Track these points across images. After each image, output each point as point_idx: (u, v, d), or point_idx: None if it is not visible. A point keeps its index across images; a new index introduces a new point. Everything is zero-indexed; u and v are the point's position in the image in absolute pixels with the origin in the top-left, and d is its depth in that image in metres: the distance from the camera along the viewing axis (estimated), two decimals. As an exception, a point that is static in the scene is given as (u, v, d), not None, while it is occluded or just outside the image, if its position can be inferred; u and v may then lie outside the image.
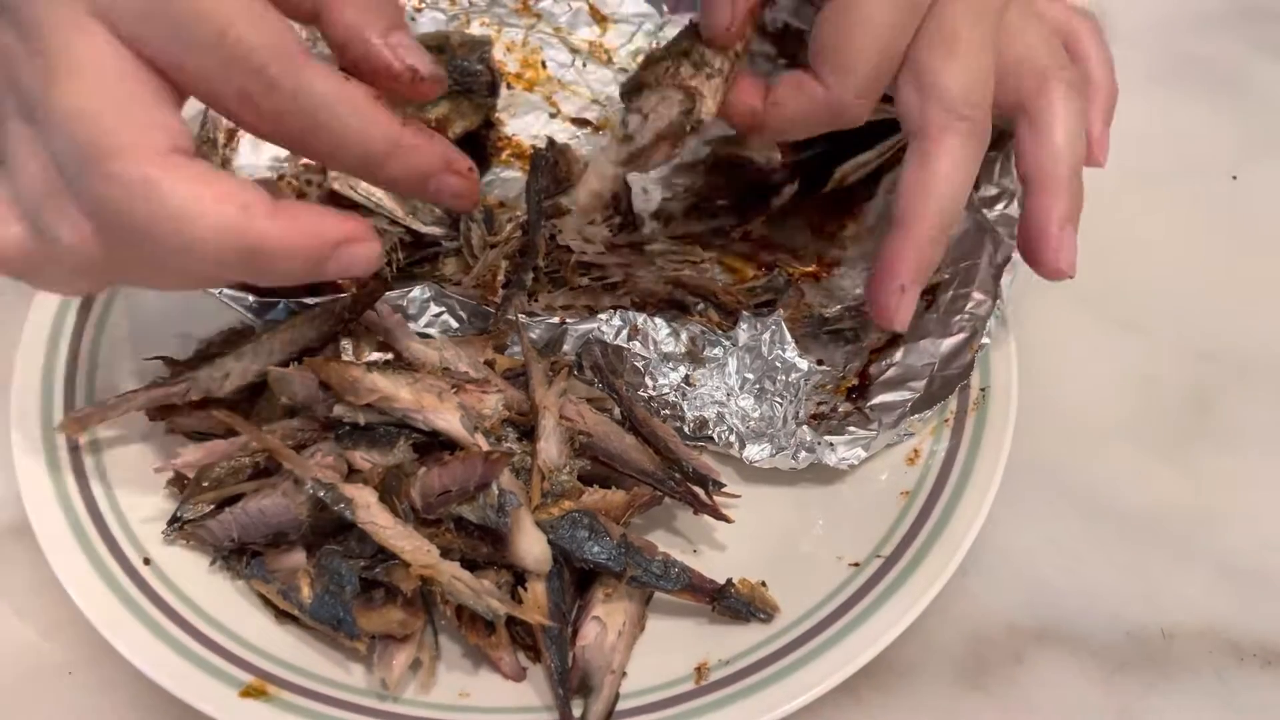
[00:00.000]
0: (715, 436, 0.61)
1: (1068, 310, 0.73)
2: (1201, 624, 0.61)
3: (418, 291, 0.62)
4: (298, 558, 0.54)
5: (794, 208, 0.70)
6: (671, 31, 0.78)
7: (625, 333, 0.61)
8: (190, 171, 0.42)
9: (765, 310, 0.64)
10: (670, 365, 0.61)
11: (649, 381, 0.61)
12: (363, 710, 0.52)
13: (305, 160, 0.69)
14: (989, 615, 0.61)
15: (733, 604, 0.55)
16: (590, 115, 0.77)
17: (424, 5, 0.79)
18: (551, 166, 0.71)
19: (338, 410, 0.56)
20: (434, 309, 0.62)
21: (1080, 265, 0.75)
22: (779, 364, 0.61)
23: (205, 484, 0.56)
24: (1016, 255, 0.63)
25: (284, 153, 0.69)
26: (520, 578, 0.54)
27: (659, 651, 0.55)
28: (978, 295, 0.63)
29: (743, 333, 0.61)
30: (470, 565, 0.53)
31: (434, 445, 0.56)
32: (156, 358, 0.62)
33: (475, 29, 0.79)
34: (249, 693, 0.51)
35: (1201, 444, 0.68)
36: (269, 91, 0.42)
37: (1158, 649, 0.60)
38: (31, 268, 0.46)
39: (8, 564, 0.59)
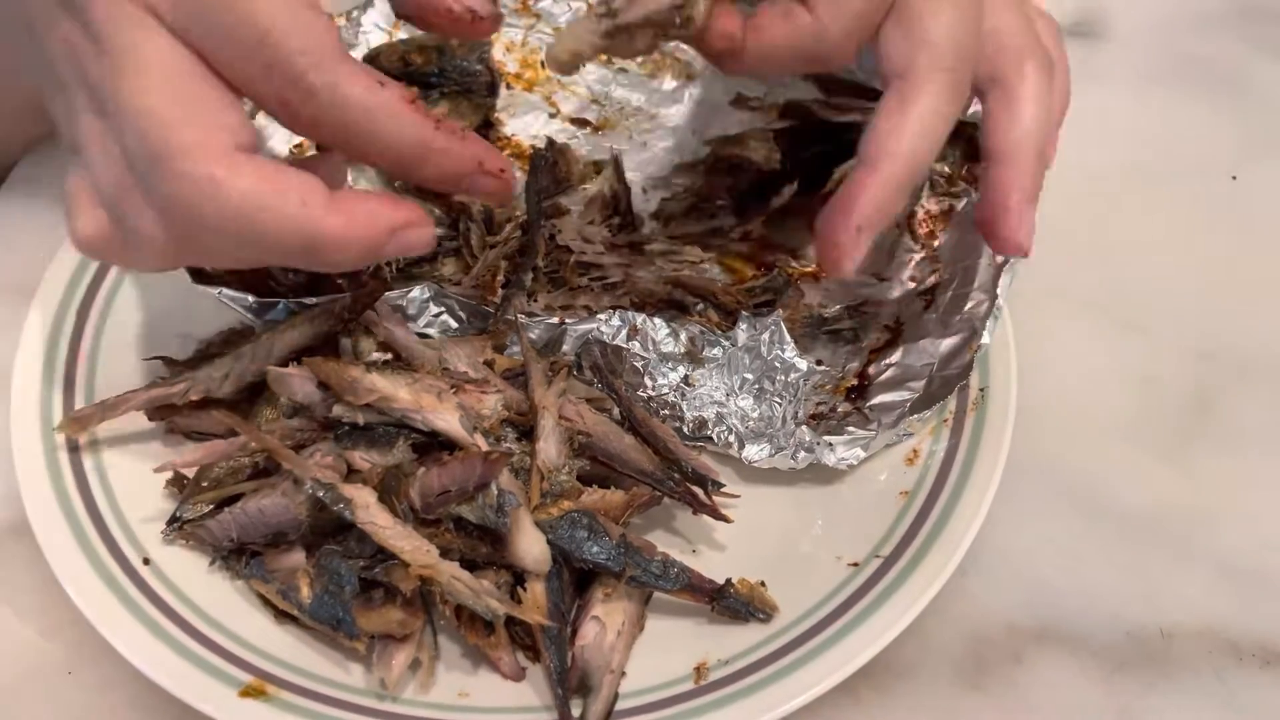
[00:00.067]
0: (714, 436, 0.61)
1: (1067, 310, 0.73)
2: (1201, 624, 0.61)
3: (417, 291, 0.62)
4: (297, 558, 0.54)
5: (794, 208, 0.70)
6: (671, 31, 0.78)
7: (624, 333, 0.61)
8: (252, 170, 0.44)
9: (764, 310, 0.64)
10: (669, 365, 0.61)
11: (648, 381, 0.61)
12: (362, 710, 0.52)
13: None
14: (988, 615, 0.60)
15: (732, 604, 0.55)
16: (590, 115, 0.77)
17: (424, 5, 0.79)
18: (551, 166, 0.71)
19: (337, 410, 0.56)
20: (433, 309, 0.62)
21: (1080, 265, 0.75)
22: (778, 364, 0.61)
23: (205, 484, 0.57)
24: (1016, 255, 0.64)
25: None
26: (519, 578, 0.54)
27: (658, 651, 0.55)
28: (977, 295, 0.63)
29: (742, 333, 0.61)
30: (469, 565, 0.53)
31: (433, 445, 0.56)
32: (156, 358, 0.62)
33: (475, 29, 0.79)
34: (248, 692, 0.51)
35: (1201, 444, 0.68)
36: (306, 100, 0.44)
37: (1157, 649, 0.60)
38: (112, 253, 0.49)
39: (8, 564, 0.59)
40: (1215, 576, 0.63)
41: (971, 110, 0.58)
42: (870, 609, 0.55)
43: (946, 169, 0.68)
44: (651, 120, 0.77)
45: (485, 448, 0.54)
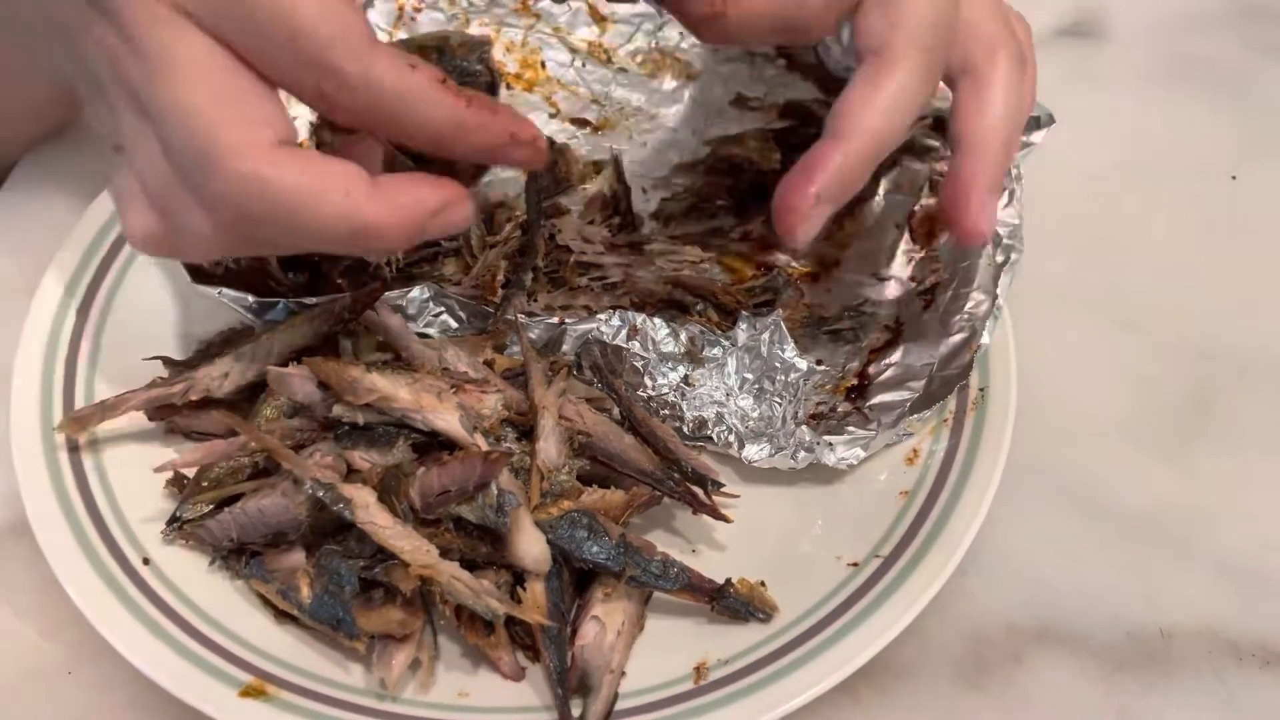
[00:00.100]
0: (714, 436, 0.61)
1: (1067, 310, 0.73)
2: (1201, 624, 0.61)
3: (417, 291, 0.62)
4: (297, 558, 0.54)
5: (794, 208, 0.70)
6: (671, 31, 0.78)
7: (624, 333, 0.61)
8: (296, 163, 0.45)
9: (764, 310, 0.64)
10: (669, 365, 0.61)
11: (648, 381, 0.61)
12: (362, 710, 0.52)
13: None
14: (988, 615, 0.60)
15: (732, 604, 0.55)
16: (590, 115, 0.77)
17: (423, 5, 0.79)
18: (551, 166, 0.71)
19: (337, 410, 0.56)
20: (433, 309, 0.62)
21: (1080, 265, 0.75)
22: (778, 364, 0.61)
23: (204, 484, 0.57)
24: (1016, 255, 0.64)
25: None
26: (519, 577, 0.54)
27: (658, 651, 0.55)
28: (977, 295, 0.63)
29: (742, 333, 0.61)
30: (469, 565, 0.53)
31: (433, 445, 0.56)
32: (156, 358, 0.62)
33: (474, 29, 0.79)
34: (248, 692, 0.51)
35: (1201, 444, 0.68)
36: (341, 89, 0.45)
37: (1157, 649, 0.60)
38: (166, 248, 0.50)
39: (8, 564, 0.59)
40: (1215, 576, 0.63)
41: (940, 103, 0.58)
42: (870, 609, 0.55)
43: (947, 169, 0.68)
44: (651, 120, 0.77)
45: (485, 448, 0.54)
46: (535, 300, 0.65)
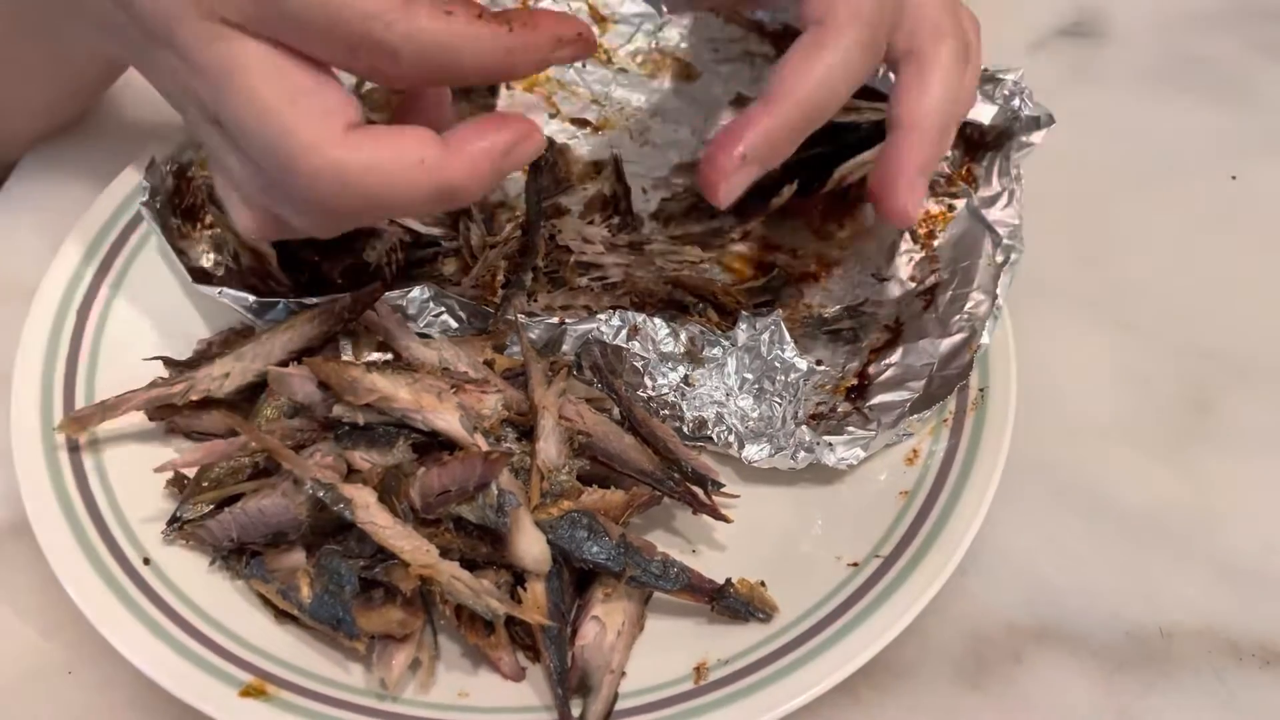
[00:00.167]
0: (714, 436, 0.61)
1: (1067, 310, 0.73)
2: (1201, 624, 0.61)
3: (417, 291, 0.62)
4: (297, 558, 0.54)
5: (793, 208, 0.70)
6: (671, 31, 0.78)
7: (624, 333, 0.61)
8: (369, 144, 0.47)
9: (764, 310, 0.64)
10: (669, 365, 0.61)
11: (648, 381, 0.61)
12: (362, 710, 0.52)
13: None
14: (988, 615, 0.60)
15: (732, 604, 0.55)
16: (590, 115, 0.77)
17: (424, 6, 0.79)
18: (551, 166, 0.71)
19: (337, 410, 0.56)
20: (433, 309, 0.62)
21: (1079, 265, 0.75)
22: (778, 364, 0.61)
23: (205, 484, 0.57)
24: (1016, 255, 0.64)
25: None
26: (519, 578, 0.54)
27: (658, 651, 0.55)
28: (976, 295, 0.63)
29: (742, 333, 0.61)
30: (470, 565, 0.53)
31: (433, 445, 0.56)
32: (156, 358, 0.62)
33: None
34: (248, 692, 0.51)
35: (1201, 444, 0.68)
36: (393, 60, 0.46)
37: (1157, 649, 0.60)
38: (274, 234, 0.53)
39: (8, 564, 0.59)
40: (1215, 576, 0.63)
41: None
42: (870, 609, 0.55)
43: (946, 169, 0.68)
44: (651, 120, 0.77)
45: (485, 448, 0.54)
46: (535, 300, 0.65)
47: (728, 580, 0.55)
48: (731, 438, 0.61)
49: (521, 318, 0.61)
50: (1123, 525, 0.64)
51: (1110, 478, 0.66)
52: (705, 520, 0.58)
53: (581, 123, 0.77)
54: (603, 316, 0.61)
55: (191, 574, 0.56)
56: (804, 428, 0.60)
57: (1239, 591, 0.62)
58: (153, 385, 0.59)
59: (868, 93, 0.67)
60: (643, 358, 0.61)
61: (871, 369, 0.64)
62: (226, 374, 0.58)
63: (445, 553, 0.52)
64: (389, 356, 0.60)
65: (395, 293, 0.61)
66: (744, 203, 0.71)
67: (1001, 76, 0.66)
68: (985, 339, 0.62)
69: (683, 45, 0.78)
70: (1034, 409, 0.63)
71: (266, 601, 0.54)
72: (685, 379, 0.61)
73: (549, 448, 0.56)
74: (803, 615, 0.55)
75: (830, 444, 0.60)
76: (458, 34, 0.46)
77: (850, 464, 0.60)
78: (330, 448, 0.55)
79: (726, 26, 0.77)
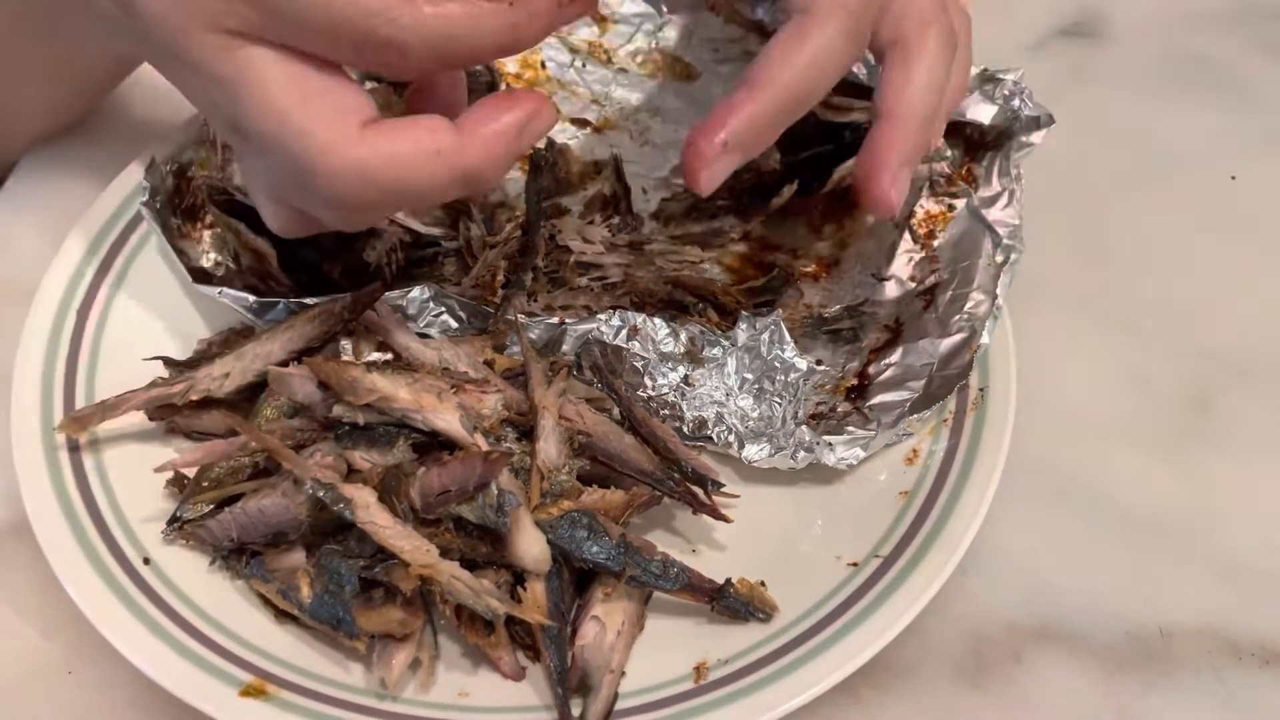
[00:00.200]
0: (714, 436, 0.61)
1: (1067, 310, 0.73)
2: (1201, 624, 0.61)
3: (417, 291, 0.62)
4: (297, 557, 0.54)
5: (794, 208, 0.70)
6: (671, 31, 0.78)
7: (624, 333, 0.61)
8: (385, 140, 0.47)
9: (764, 310, 0.65)
10: (669, 365, 0.61)
11: (648, 381, 0.61)
12: (362, 710, 0.52)
13: None
14: (988, 615, 0.60)
15: (731, 604, 0.55)
16: (590, 115, 0.77)
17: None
18: (551, 166, 0.71)
19: (337, 410, 0.56)
20: (433, 309, 0.62)
21: (1080, 265, 0.75)
22: (778, 364, 0.61)
23: (205, 484, 0.57)
24: (1016, 255, 0.64)
25: None
26: (519, 577, 0.54)
27: (658, 651, 0.55)
28: (976, 295, 0.63)
29: (742, 333, 0.61)
30: (470, 565, 0.53)
31: (433, 445, 0.56)
32: (156, 358, 0.62)
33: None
34: (248, 692, 0.51)
35: (1201, 444, 0.68)
36: (402, 55, 0.46)
37: (1157, 648, 0.60)
38: (305, 230, 0.54)
39: (8, 564, 0.59)
40: (1215, 576, 0.63)
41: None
42: (870, 609, 0.55)
43: (947, 169, 0.68)
44: (651, 120, 0.77)
45: (485, 448, 0.54)
46: (535, 300, 0.65)
47: (728, 580, 0.55)
48: (731, 438, 0.61)
49: (521, 318, 0.61)
50: (1123, 525, 0.64)
51: (1110, 478, 0.66)
52: (705, 520, 0.58)
53: (581, 123, 0.77)
54: (603, 316, 0.61)
55: (191, 574, 0.56)
56: (804, 428, 0.60)
57: (1239, 591, 0.62)
58: (153, 385, 0.59)
59: (865, 91, 0.67)
60: (643, 358, 0.61)
61: (871, 369, 0.64)
62: (226, 374, 0.58)
63: (445, 553, 0.53)
64: (389, 356, 0.60)
65: (395, 293, 0.61)
66: (744, 203, 0.72)
67: (1001, 76, 0.66)
68: (985, 339, 0.62)
69: (683, 45, 0.78)
70: (1034, 409, 0.63)
71: (266, 601, 0.54)
72: (685, 379, 0.61)
73: (549, 448, 0.56)
74: (803, 615, 0.55)
75: (830, 444, 0.60)
76: (460, 18, 0.46)
77: (850, 464, 0.60)
78: (330, 448, 0.55)
79: (726, 26, 0.77)
